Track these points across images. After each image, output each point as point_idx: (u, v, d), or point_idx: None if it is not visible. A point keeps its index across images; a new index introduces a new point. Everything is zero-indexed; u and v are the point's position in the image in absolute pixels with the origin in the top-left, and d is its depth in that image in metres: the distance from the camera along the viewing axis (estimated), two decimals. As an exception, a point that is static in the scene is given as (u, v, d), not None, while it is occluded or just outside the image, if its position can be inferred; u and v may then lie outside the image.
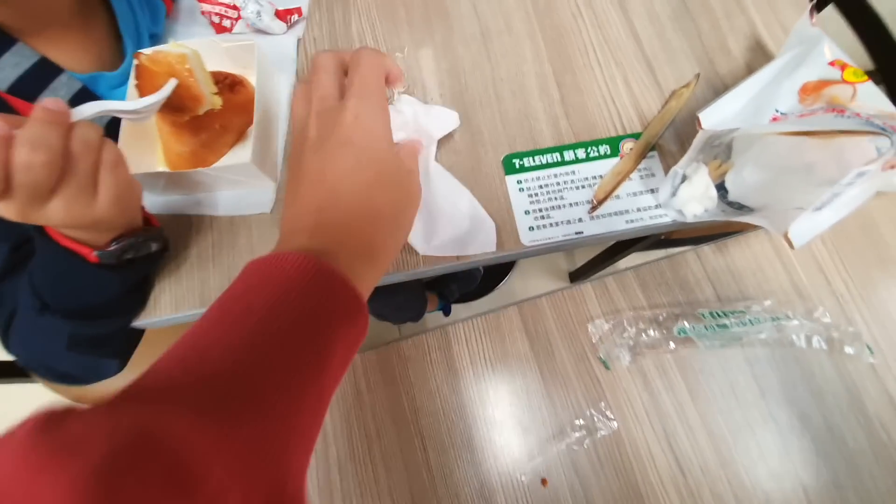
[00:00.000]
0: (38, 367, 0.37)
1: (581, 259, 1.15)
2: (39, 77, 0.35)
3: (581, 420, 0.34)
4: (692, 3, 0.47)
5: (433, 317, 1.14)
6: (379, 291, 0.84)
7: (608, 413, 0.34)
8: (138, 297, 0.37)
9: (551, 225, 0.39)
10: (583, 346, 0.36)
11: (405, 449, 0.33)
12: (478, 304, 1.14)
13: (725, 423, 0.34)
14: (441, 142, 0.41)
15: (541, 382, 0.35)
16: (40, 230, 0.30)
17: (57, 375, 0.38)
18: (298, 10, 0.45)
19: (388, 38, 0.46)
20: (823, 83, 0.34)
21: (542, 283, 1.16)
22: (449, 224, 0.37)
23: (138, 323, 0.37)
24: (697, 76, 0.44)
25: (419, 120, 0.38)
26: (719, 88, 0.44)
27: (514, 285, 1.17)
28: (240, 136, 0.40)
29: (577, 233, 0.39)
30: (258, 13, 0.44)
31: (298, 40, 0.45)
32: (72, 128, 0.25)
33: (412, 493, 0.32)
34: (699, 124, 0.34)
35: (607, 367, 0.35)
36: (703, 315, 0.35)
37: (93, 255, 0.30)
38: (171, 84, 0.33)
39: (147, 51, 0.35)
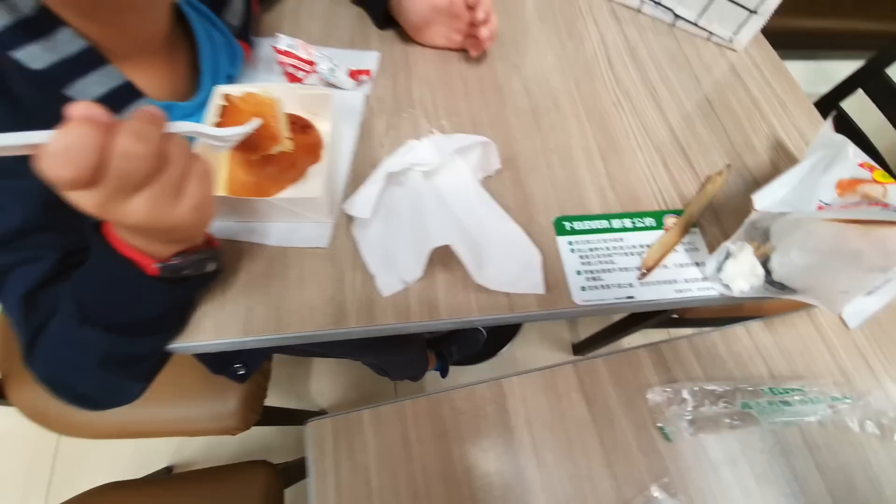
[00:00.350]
0: (56, 383, 0.33)
1: (585, 331, 1.15)
2: (121, 98, 0.36)
3: (645, 496, 0.31)
4: (717, 105, 0.54)
5: (449, 376, 1.09)
6: (386, 348, 0.80)
7: (672, 490, 0.32)
8: (180, 318, 0.35)
9: (602, 287, 0.40)
10: (642, 413, 0.35)
11: (455, 515, 0.30)
12: (477, 368, 1.10)
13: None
14: (495, 197, 0.43)
15: (601, 450, 0.33)
16: (100, 235, 0.29)
17: (74, 396, 0.34)
18: (368, 72, 0.49)
19: (446, 105, 0.50)
20: (856, 181, 0.38)
21: (544, 353, 1.14)
22: (497, 253, 0.38)
23: (175, 346, 0.35)
24: (728, 166, 0.48)
25: (454, 150, 0.41)
26: (748, 179, 0.48)
27: (516, 353, 1.15)
28: (301, 173, 0.42)
29: (628, 297, 0.39)
30: (332, 70, 0.48)
31: (367, 97, 0.49)
32: (169, 133, 0.25)
33: (462, 570, 0.28)
34: (752, 206, 0.36)
35: (668, 439, 0.34)
36: (764, 391, 0.34)
37: (153, 267, 0.29)
38: (256, 122, 0.34)
39: (236, 90, 0.37)
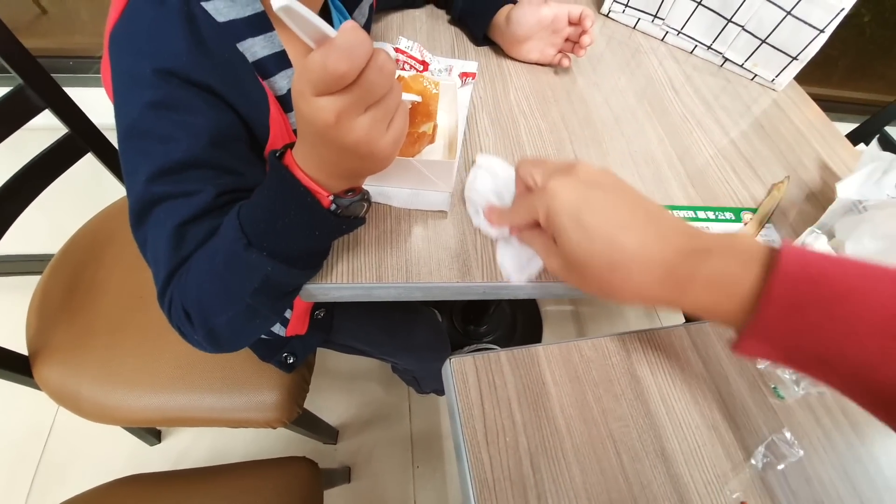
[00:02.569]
0: (195, 312, 0.34)
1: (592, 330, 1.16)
2: (277, 63, 0.40)
3: (769, 444, 0.33)
4: (769, 129, 0.61)
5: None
6: (431, 352, 0.80)
7: (792, 440, 0.33)
8: (325, 256, 0.37)
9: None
10: (752, 374, 0.37)
11: (598, 451, 0.31)
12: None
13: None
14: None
15: (722, 403, 0.35)
16: (282, 165, 0.31)
17: (205, 329, 0.34)
18: (473, 75, 0.55)
19: (540, 108, 0.56)
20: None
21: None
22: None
23: (314, 285, 0.36)
24: (788, 177, 0.53)
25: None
26: (804, 189, 0.54)
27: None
28: (422, 146, 0.45)
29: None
30: (441, 71, 0.54)
31: (471, 95, 0.54)
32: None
33: (611, 499, 0.29)
34: (835, 194, 0.41)
35: (780, 397, 0.36)
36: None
37: (328, 199, 0.32)
38: (417, 97, 0.38)
39: (407, 73, 0.42)
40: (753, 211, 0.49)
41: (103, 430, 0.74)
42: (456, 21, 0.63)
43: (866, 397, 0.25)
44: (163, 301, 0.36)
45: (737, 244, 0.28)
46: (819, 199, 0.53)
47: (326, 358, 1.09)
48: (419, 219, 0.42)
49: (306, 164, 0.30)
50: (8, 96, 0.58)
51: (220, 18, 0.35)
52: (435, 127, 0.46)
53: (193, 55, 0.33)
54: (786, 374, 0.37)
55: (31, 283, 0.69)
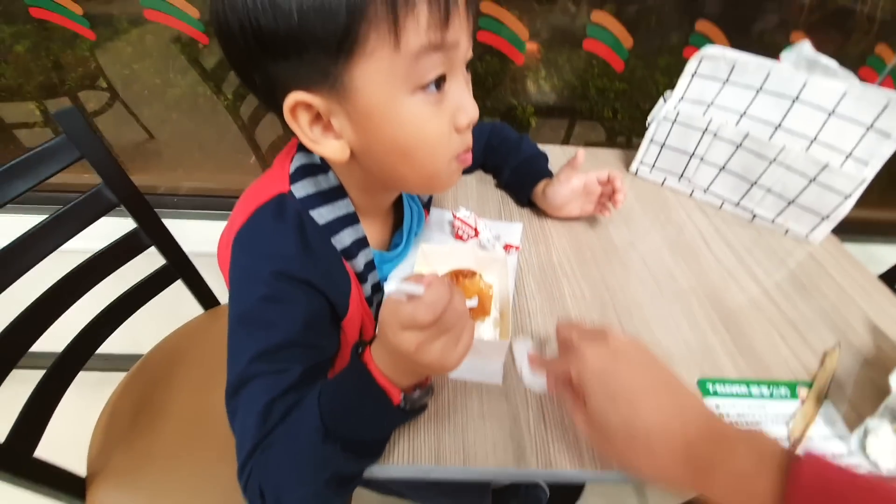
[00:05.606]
0: (269, 492, 0.36)
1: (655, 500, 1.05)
2: (358, 246, 0.47)
3: None
4: (810, 287, 0.62)
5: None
6: (469, 498, 0.77)
7: None
8: (385, 443, 0.39)
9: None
10: None
11: None
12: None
13: None
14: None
15: None
16: (361, 363, 0.36)
17: None
18: (517, 247, 0.62)
19: (581, 270, 0.60)
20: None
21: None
22: None
23: (376, 468, 0.38)
24: (839, 344, 0.53)
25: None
26: (858, 357, 0.53)
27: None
28: (476, 318, 0.50)
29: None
30: (489, 240, 0.60)
31: (518, 261, 0.60)
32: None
33: None
34: (890, 388, 0.41)
35: None
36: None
37: (399, 397, 0.35)
38: (475, 300, 0.44)
39: (438, 249, 0.48)
40: (808, 385, 0.49)
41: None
42: (502, 186, 0.72)
43: None
44: (241, 474, 0.38)
45: (754, 441, 0.30)
46: (875, 367, 0.52)
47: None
48: (474, 391, 0.45)
49: (383, 364, 0.35)
50: (124, 238, 0.70)
51: (321, 221, 0.43)
52: (490, 298, 0.51)
53: (301, 257, 0.40)
54: None
55: (101, 378, 0.74)
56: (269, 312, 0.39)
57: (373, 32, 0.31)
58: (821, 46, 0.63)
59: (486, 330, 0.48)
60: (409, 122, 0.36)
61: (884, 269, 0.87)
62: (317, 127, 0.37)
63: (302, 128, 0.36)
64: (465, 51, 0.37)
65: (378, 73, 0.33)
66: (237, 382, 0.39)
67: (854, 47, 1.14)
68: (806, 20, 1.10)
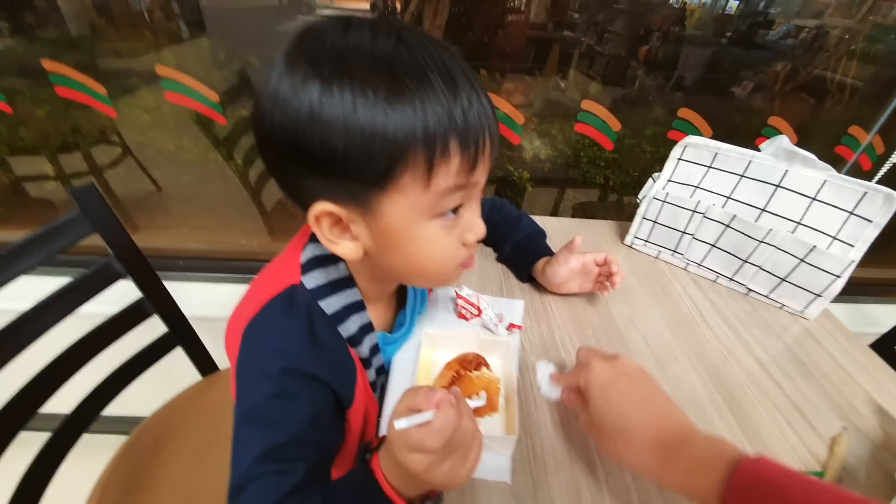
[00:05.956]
0: None
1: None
2: (364, 331, 0.48)
3: None
4: (810, 367, 0.63)
5: None
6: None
7: None
8: None
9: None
10: None
11: None
12: None
13: None
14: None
15: None
16: (368, 470, 0.35)
17: None
18: (520, 326, 0.63)
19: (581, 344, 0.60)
20: None
21: None
22: None
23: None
24: (845, 428, 0.53)
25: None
26: (866, 442, 0.53)
27: None
28: (484, 412, 0.49)
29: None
30: (492, 319, 0.61)
31: (521, 340, 0.61)
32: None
33: None
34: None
35: None
36: None
37: None
38: (484, 396, 0.44)
39: (441, 334, 0.49)
40: (820, 475, 0.48)
41: None
42: (503, 261, 0.74)
43: None
44: None
45: (716, 443, 0.37)
46: (883, 453, 0.51)
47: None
48: (482, 490, 0.44)
49: (391, 475, 0.35)
50: (130, 308, 0.70)
51: (330, 311, 0.44)
52: (497, 392, 0.50)
53: (309, 352, 0.41)
54: None
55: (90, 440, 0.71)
56: (274, 410, 0.39)
57: (408, 174, 0.34)
58: (794, 115, 0.68)
59: (493, 426, 0.47)
60: (424, 242, 0.38)
61: (879, 329, 0.88)
62: (336, 228, 0.39)
63: (323, 231, 0.38)
64: (483, 184, 0.40)
65: (405, 204, 0.35)
66: (239, 484, 0.38)
67: (827, 115, 1.23)
68: (781, 90, 1.19)
